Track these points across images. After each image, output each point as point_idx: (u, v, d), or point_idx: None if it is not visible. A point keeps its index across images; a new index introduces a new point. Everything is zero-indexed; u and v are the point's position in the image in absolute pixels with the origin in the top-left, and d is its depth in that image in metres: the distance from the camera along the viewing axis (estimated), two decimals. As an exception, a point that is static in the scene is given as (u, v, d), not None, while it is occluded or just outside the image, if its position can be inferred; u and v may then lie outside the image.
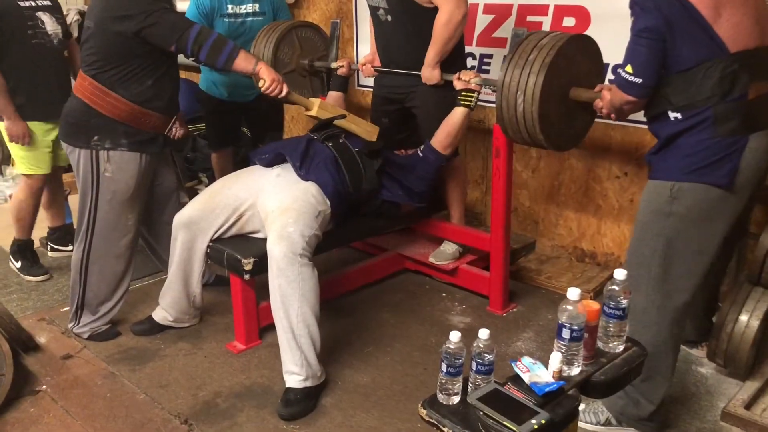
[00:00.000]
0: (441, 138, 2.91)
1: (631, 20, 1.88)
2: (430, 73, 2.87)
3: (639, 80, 1.86)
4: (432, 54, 2.83)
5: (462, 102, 2.84)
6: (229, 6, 3.49)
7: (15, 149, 3.31)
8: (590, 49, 2.55)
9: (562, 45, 2.38)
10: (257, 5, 3.56)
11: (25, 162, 3.32)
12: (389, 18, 2.93)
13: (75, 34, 4.29)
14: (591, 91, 2.41)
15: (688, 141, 1.87)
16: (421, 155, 2.96)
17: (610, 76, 3.11)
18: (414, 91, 2.99)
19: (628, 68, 1.87)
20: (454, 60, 2.91)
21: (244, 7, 3.53)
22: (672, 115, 1.89)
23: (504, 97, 2.45)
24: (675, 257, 1.95)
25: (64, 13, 4.32)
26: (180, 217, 2.68)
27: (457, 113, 2.87)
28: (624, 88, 1.91)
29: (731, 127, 1.83)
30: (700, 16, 1.78)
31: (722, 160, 1.85)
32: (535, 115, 2.38)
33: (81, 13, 4.29)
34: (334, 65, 3.30)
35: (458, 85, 2.83)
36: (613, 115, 2.19)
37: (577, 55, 2.46)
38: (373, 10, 3.01)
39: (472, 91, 2.82)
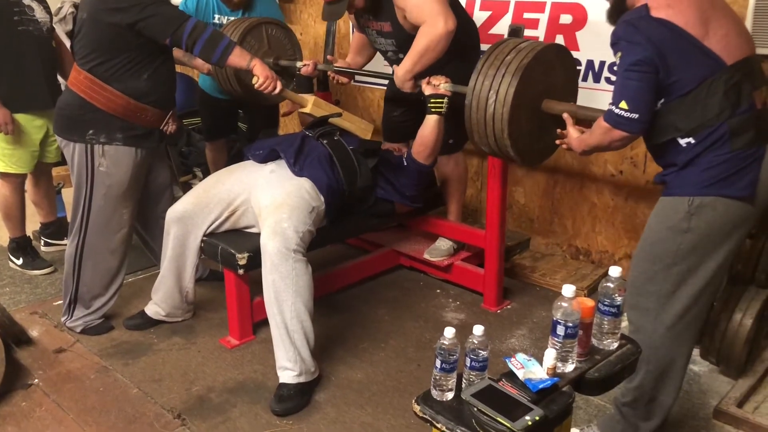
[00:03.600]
0: (418, 148, 2.81)
1: (616, 57, 1.82)
2: (402, 83, 2.75)
3: (635, 115, 1.79)
4: (407, 65, 2.69)
5: (432, 109, 2.67)
6: (216, 15, 3.38)
7: None
8: (568, 62, 2.44)
9: (542, 50, 2.29)
10: (245, 17, 3.38)
11: (5, 159, 3.23)
12: (401, 56, 2.85)
13: (69, 26, 4.27)
14: (565, 104, 2.31)
15: (706, 158, 1.81)
16: (405, 163, 2.90)
17: (606, 74, 3.11)
18: None
19: (623, 104, 1.78)
20: (467, 71, 2.86)
21: (231, 19, 3.37)
22: (683, 141, 1.82)
23: (475, 96, 2.31)
24: (688, 274, 1.89)
25: (59, 5, 4.31)
26: (173, 212, 2.67)
27: (429, 121, 2.71)
28: (620, 126, 1.81)
29: (747, 139, 1.79)
30: (689, 36, 1.75)
31: (742, 171, 1.80)
32: (505, 116, 2.24)
33: (75, 5, 4.26)
34: (298, 64, 3.17)
35: (427, 90, 2.66)
36: (579, 152, 2.09)
37: (555, 65, 2.36)
38: (382, 53, 3.00)
39: (442, 96, 2.64)
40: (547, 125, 2.40)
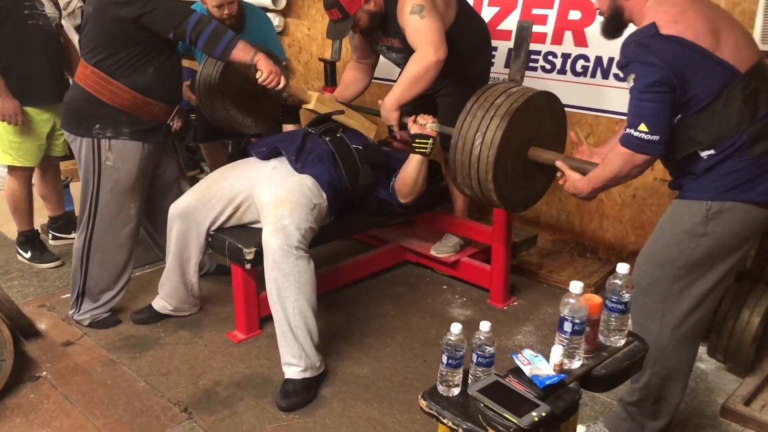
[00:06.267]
0: (400, 186, 2.74)
1: (629, 79, 1.78)
2: (388, 113, 2.71)
3: (656, 137, 1.74)
4: (396, 94, 2.65)
5: (417, 149, 2.62)
6: None
7: (5, 137, 3.20)
8: (557, 112, 2.39)
9: (532, 96, 2.24)
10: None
11: (12, 152, 3.24)
12: None
13: (78, 20, 4.28)
14: (552, 153, 2.26)
15: (725, 165, 1.79)
16: (390, 191, 2.83)
17: (614, 70, 3.10)
18: (444, 83, 2.88)
19: (642, 127, 1.74)
20: (477, 77, 2.84)
21: None
22: (704, 153, 1.80)
23: (461, 136, 2.26)
24: (697, 276, 1.88)
25: (67, 0, 4.32)
26: (175, 207, 2.68)
27: (412, 161, 2.64)
28: (642, 149, 1.77)
29: (767, 146, 1.77)
30: (702, 49, 1.73)
31: (761, 176, 1.78)
32: (491, 160, 2.18)
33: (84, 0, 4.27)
34: (284, 95, 3.06)
35: (413, 129, 2.61)
36: (586, 194, 2.02)
37: (544, 113, 2.31)
38: (396, 64, 3.00)
39: (428, 137, 2.59)
40: (532, 173, 2.35)
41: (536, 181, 2.40)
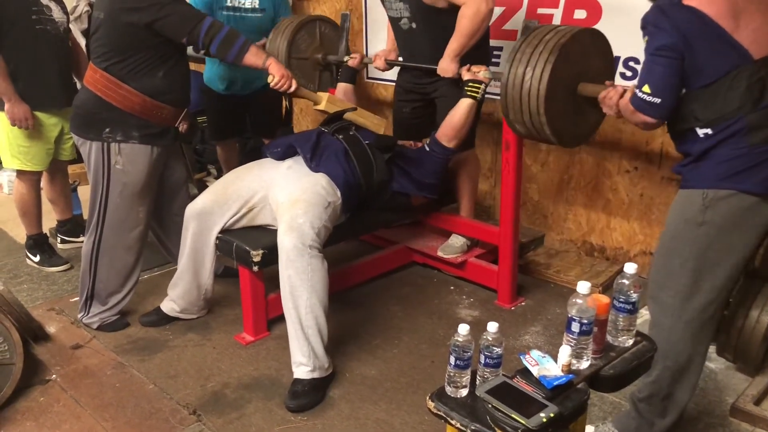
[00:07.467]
0: (446, 131, 2.86)
1: (644, 40, 1.83)
2: (447, 65, 2.83)
3: (658, 100, 1.79)
4: (454, 46, 2.79)
5: (469, 93, 2.80)
6: None
7: (13, 142, 3.22)
8: (604, 48, 2.48)
9: (579, 32, 2.33)
10: (257, 1, 3.50)
11: (21, 157, 3.26)
12: (413, 26, 2.92)
13: (85, 25, 4.30)
14: (598, 86, 2.32)
15: (722, 151, 1.80)
16: (427, 149, 2.93)
17: (621, 69, 3.09)
18: (440, 79, 2.95)
19: (646, 88, 1.79)
20: (479, 57, 2.88)
21: (243, 1, 3.48)
22: (701, 131, 1.81)
23: (512, 72, 2.35)
24: (706, 269, 1.87)
25: (74, 3, 4.34)
26: (192, 208, 2.69)
27: (463, 105, 2.82)
28: (642, 110, 1.83)
29: (765, 135, 1.76)
30: (719, 27, 1.73)
31: (758, 166, 1.78)
32: (541, 93, 2.27)
33: (90, 4, 4.29)
34: (346, 57, 3.29)
35: (466, 75, 2.79)
36: (611, 113, 2.12)
37: (591, 49, 2.39)
38: (395, 20, 3.02)
39: (480, 82, 2.78)
40: (583, 110, 2.41)
41: (588, 116, 2.46)
